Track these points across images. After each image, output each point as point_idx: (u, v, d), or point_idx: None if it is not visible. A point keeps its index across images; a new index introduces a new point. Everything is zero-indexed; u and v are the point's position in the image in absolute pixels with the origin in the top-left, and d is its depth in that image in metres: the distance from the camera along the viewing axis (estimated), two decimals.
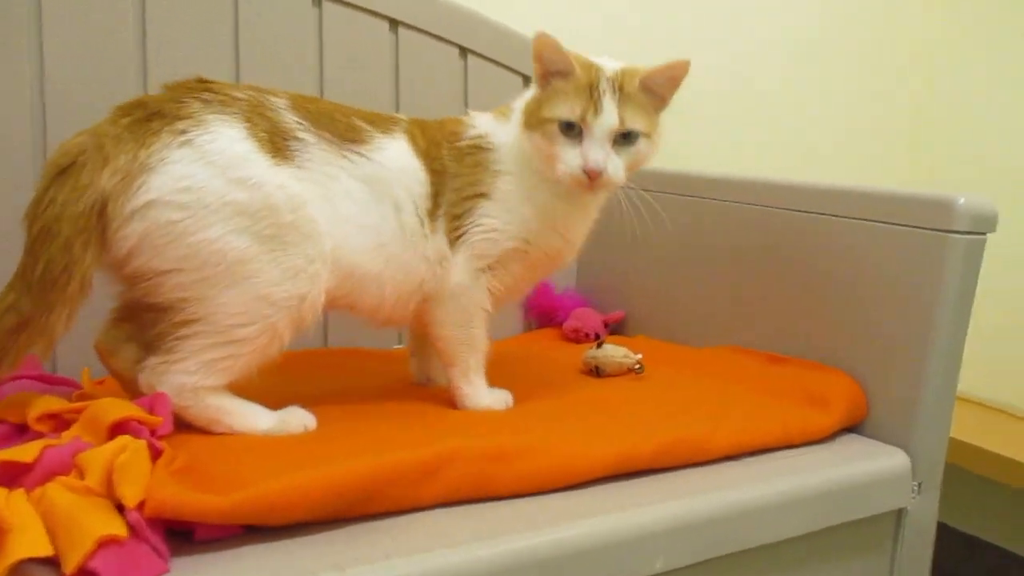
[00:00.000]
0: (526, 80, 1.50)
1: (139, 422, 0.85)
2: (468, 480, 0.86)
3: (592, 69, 1.02)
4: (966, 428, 1.82)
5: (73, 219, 0.84)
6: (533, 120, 1.03)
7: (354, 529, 0.80)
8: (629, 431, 0.99)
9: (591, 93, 1.00)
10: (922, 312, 1.09)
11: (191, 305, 0.89)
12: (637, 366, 1.25)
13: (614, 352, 1.26)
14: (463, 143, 1.07)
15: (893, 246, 1.12)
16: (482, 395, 1.08)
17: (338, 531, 0.79)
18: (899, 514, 1.10)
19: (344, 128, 0.99)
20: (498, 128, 1.08)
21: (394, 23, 1.38)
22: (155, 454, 0.80)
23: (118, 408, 0.86)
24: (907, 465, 1.08)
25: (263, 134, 0.92)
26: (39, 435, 0.87)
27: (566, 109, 1.00)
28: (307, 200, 0.93)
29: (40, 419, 0.88)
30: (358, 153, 0.99)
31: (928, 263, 1.08)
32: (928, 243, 1.08)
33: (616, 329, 1.52)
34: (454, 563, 0.77)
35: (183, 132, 0.87)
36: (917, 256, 1.09)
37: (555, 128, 1.01)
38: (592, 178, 1.00)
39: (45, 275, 0.84)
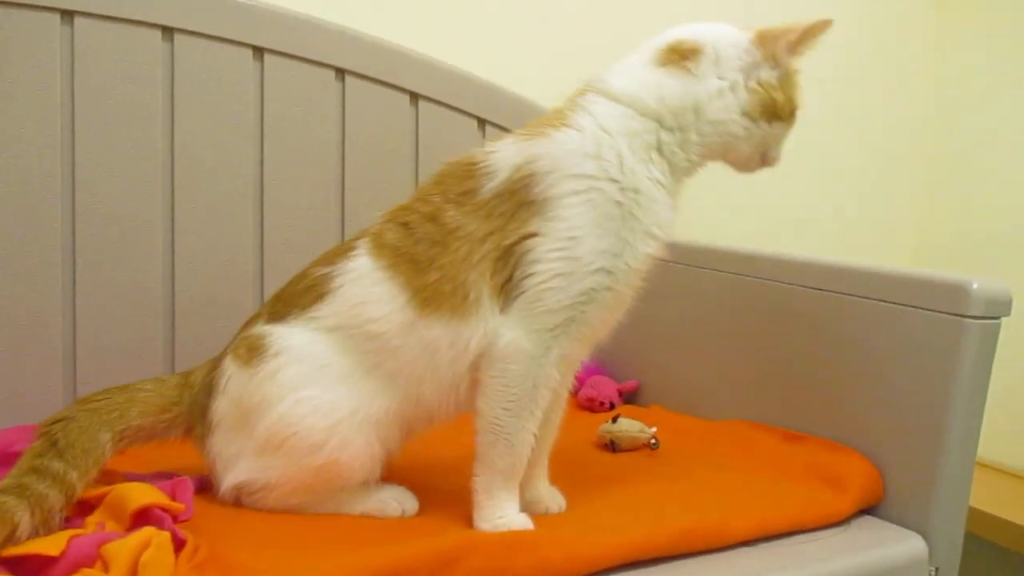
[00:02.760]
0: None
1: (162, 509, 0.86)
2: (487, 570, 0.86)
3: None
4: (983, 495, 1.80)
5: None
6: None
7: None
8: (646, 517, 0.99)
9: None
10: (937, 395, 1.09)
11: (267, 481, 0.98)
12: (652, 441, 1.26)
13: (629, 427, 1.27)
14: (484, 195, 0.94)
15: (907, 327, 1.12)
16: (499, 513, 0.95)
17: None
18: None
19: (302, 293, 0.99)
20: (542, 146, 0.93)
21: (414, 96, 1.42)
22: (178, 544, 0.81)
23: (141, 494, 0.88)
24: (924, 551, 1.07)
25: (243, 352, 0.98)
26: (65, 520, 0.88)
27: (800, 96, 0.99)
28: (291, 388, 0.95)
29: None
30: (318, 311, 0.97)
31: (943, 346, 1.09)
32: (943, 327, 1.09)
33: (630, 398, 1.53)
34: None
35: (215, 402, 1.00)
36: (932, 339, 1.10)
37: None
38: None
39: None
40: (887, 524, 1.11)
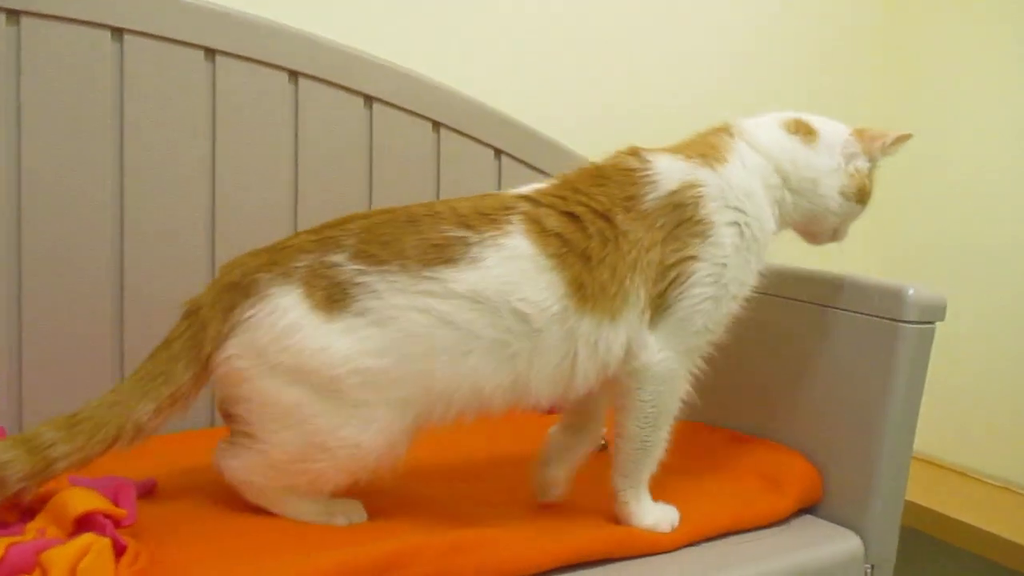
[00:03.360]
0: (497, 153, 1.54)
1: (104, 515, 0.86)
2: (432, 573, 0.87)
3: None
4: (925, 490, 1.85)
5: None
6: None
7: None
8: (591, 518, 1.01)
9: None
10: (874, 397, 1.12)
11: (254, 430, 0.96)
12: (601, 442, 1.27)
13: None
14: (648, 204, 0.99)
15: (846, 331, 1.16)
16: (647, 512, 1.03)
17: None
18: None
19: (425, 248, 0.93)
20: (708, 174, 1.02)
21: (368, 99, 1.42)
22: (119, 550, 0.81)
23: (83, 500, 0.88)
24: (860, 549, 1.11)
25: (320, 293, 0.93)
26: (3, 525, 0.88)
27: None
28: (360, 351, 0.91)
29: (6, 507, 0.89)
30: (444, 274, 0.92)
31: (880, 350, 1.12)
32: (880, 331, 1.12)
33: None
34: None
35: (251, 307, 0.94)
36: (869, 342, 1.13)
37: None
38: None
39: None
40: (825, 523, 1.15)
